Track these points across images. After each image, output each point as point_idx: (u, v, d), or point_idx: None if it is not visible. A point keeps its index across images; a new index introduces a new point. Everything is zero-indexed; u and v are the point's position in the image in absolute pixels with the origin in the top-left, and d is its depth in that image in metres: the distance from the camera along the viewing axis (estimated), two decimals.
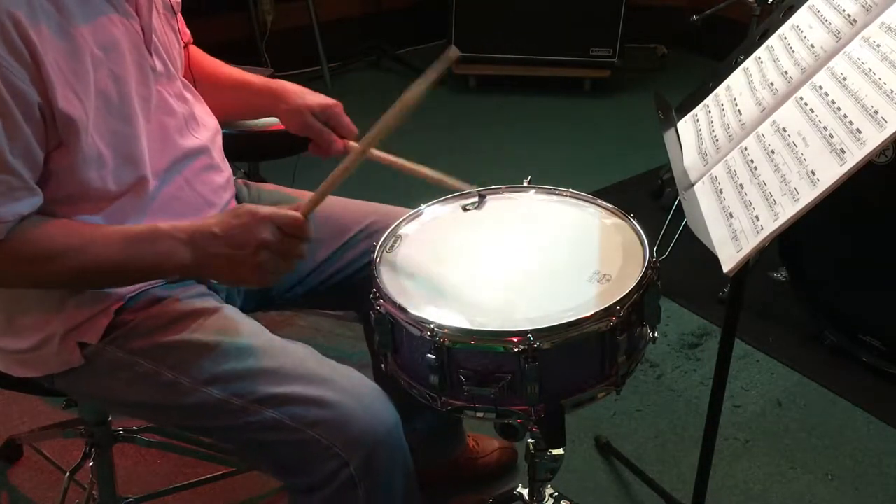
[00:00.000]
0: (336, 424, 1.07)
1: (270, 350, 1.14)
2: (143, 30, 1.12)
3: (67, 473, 1.60)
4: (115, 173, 1.08)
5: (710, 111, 1.31)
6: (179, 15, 1.31)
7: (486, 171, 3.04)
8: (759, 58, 1.27)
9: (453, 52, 1.11)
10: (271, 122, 1.92)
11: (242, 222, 1.05)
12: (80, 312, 1.13)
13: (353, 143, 1.36)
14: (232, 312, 1.19)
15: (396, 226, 1.25)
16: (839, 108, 1.01)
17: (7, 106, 0.95)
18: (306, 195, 1.44)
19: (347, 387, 1.11)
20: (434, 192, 1.32)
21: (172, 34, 1.23)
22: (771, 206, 1.01)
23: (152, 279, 1.15)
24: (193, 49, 1.40)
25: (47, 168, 1.03)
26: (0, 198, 0.98)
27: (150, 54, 1.14)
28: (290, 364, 1.12)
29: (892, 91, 0.95)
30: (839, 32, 1.12)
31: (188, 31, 1.36)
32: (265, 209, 1.07)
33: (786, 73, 1.17)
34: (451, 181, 1.23)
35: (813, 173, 0.98)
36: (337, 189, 1.47)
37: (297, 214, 1.08)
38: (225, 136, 1.34)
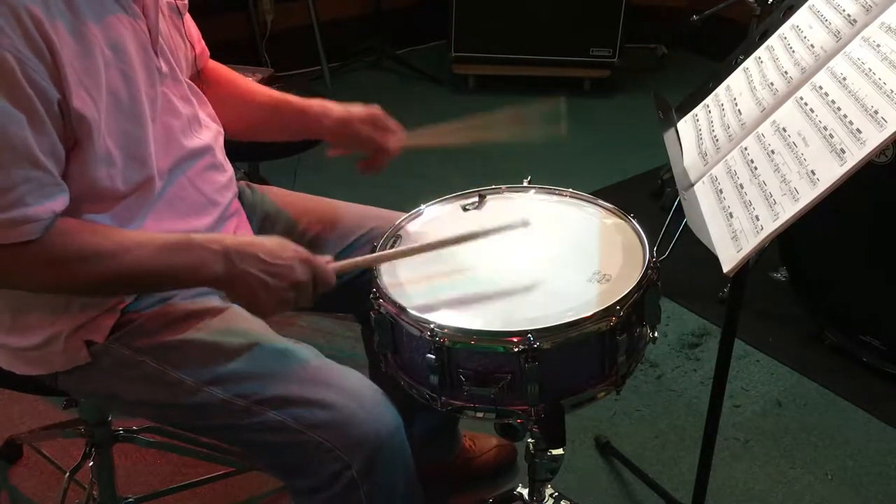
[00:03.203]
0: (338, 426, 1.07)
1: (274, 351, 1.14)
2: (149, 31, 1.12)
3: (67, 473, 1.60)
4: (124, 173, 1.08)
5: (710, 111, 1.31)
6: (195, 25, 1.32)
7: (486, 171, 3.04)
8: (759, 58, 1.27)
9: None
10: None
11: (289, 256, 1.08)
12: (87, 311, 1.13)
13: (404, 139, 1.34)
14: (237, 312, 1.19)
15: (397, 226, 1.25)
16: (839, 108, 1.01)
17: (31, 102, 0.95)
18: (307, 197, 1.45)
19: (350, 389, 1.11)
20: (434, 193, 1.32)
21: (178, 36, 1.23)
22: (771, 206, 1.01)
23: (182, 288, 1.15)
24: (218, 65, 1.40)
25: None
26: (32, 195, 0.97)
27: (156, 55, 1.14)
28: (294, 366, 1.13)
29: (892, 91, 0.95)
30: (839, 32, 1.12)
31: (203, 43, 1.36)
32: (307, 253, 1.10)
33: (786, 73, 1.17)
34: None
35: (813, 173, 0.98)
36: (339, 194, 1.48)
37: (332, 276, 1.12)
38: (226, 137, 1.34)
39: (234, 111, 1.35)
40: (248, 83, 1.43)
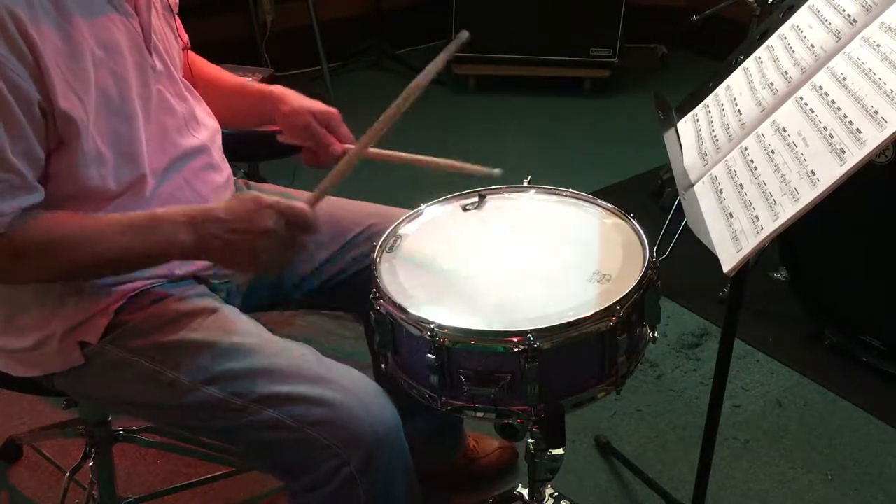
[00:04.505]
0: (336, 424, 1.07)
1: (270, 349, 1.14)
2: (142, 29, 1.12)
3: (67, 473, 1.60)
4: (115, 172, 1.09)
5: (710, 111, 1.31)
6: (178, 17, 1.31)
7: None
8: (759, 58, 1.27)
9: (463, 34, 1.13)
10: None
11: (247, 208, 1.07)
12: (80, 312, 1.13)
13: (351, 146, 1.35)
14: (231, 312, 1.19)
15: (396, 226, 1.25)
16: (839, 108, 1.01)
17: (8, 105, 0.95)
18: (305, 194, 1.45)
19: (348, 386, 1.11)
20: (434, 192, 1.32)
21: (171, 34, 1.23)
22: (771, 206, 1.01)
23: (156, 264, 1.15)
24: (192, 55, 1.40)
25: (48, 168, 1.03)
26: (1, 196, 0.98)
27: (150, 53, 1.14)
28: (291, 363, 1.12)
29: (892, 91, 0.95)
30: (839, 32, 1.12)
31: (186, 36, 1.36)
32: (270, 198, 1.08)
33: (786, 73, 1.17)
34: (463, 165, 1.24)
35: (813, 173, 0.98)
36: (337, 191, 1.48)
37: (303, 205, 1.10)
38: (225, 136, 1.34)
39: (207, 100, 1.35)
40: (214, 70, 1.43)
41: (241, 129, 1.57)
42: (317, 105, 1.35)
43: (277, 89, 1.38)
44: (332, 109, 1.36)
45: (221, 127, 1.35)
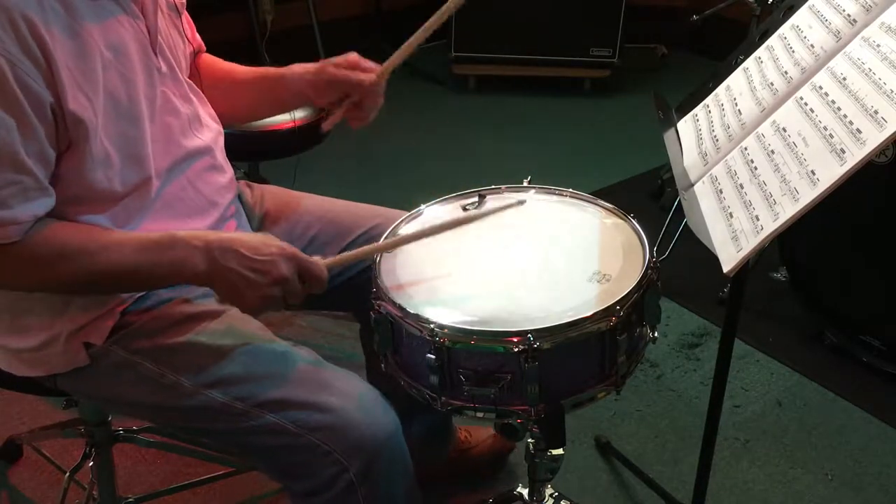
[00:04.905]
0: (337, 430, 1.08)
1: (273, 354, 1.14)
2: (148, 31, 1.12)
3: (67, 473, 1.60)
4: (122, 174, 1.08)
5: (710, 111, 1.31)
6: (191, 22, 1.31)
7: (486, 171, 3.04)
8: (759, 58, 1.27)
9: None
10: (271, 121, 1.92)
11: (271, 252, 1.07)
12: (85, 313, 1.13)
13: (381, 67, 1.31)
14: (236, 315, 1.19)
15: (396, 226, 1.25)
16: (839, 108, 1.01)
17: (21, 106, 0.95)
18: (307, 196, 1.45)
19: (349, 392, 1.11)
20: (434, 193, 1.32)
21: (177, 35, 1.23)
22: (771, 206, 1.01)
23: (166, 286, 1.15)
24: (208, 56, 1.40)
25: (55, 170, 1.03)
26: (15, 198, 0.98)
27: (156, 55, 1.14)
28: (293, 369, 1.13)
29: (892, 91, 0.95)
30: (839, 32, 1.12)
31: (199, 38, 1.36)
32: (293, 249, 1.09)
33: (786, 73, 1.17)
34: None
35: (813, 173, 0.98)
36: (337, 192, 1.48)
37: (324, 270, 1.10)
38: (225, 136, 1.34)
39: (226, 95, 1.34)
40: (229, 65, 1.42)
41: (269, 118, 1.54)
42: (328, 61, 1.31)
43: (295, 67, 1.34)
44: (349, 54, 1.31)
45: (242, 122, 1.34)
